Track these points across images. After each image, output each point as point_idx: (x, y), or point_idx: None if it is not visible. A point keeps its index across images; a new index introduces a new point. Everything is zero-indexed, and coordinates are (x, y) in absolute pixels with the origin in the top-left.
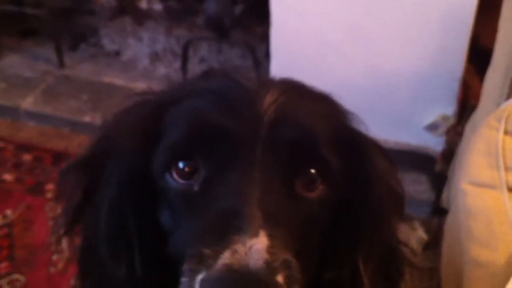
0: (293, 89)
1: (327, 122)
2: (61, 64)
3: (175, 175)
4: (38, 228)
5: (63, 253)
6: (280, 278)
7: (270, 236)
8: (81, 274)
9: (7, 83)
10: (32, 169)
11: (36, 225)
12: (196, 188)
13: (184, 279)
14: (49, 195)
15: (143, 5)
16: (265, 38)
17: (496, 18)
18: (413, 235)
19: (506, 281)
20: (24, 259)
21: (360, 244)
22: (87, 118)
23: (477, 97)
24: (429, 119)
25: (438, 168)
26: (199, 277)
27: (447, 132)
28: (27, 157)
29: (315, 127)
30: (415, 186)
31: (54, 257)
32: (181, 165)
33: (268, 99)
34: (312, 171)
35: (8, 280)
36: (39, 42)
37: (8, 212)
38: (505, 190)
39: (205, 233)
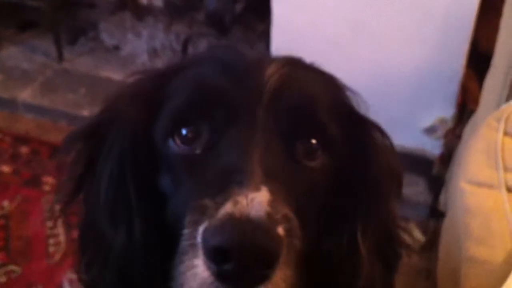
0: (296, 62)
1: (328, 94)
2: (60, 58)
3: (177, 141)
4: (34, 220)
5: (60, 245)
6: (280, 230)
7: (271, 192)
8: (81, 248)
9: (5, 75)
10: (29, 161)
11: (32, 217)
12: (198, 151)
13: (186, 231)
14: (46, 187)
15: (144, 0)
16: (265, 35)
17: (496, 24)
18: (410, 237)
19: (503, 279)
20: (20, 250)
21: (358, 217)
22: (85, 112)
23: (475, 101)
24: (428, 122)
25: (436, 171)
26: (202, 227)
27: (445, 135)
28: (24, 150)
29: (316, 96)
30: (412, 188)
31: (51, 249)
32: (183, 131)
33: (271, 69)
34: (313, 140)
35: (3, 270)
36: (38, 35)
37: (5, 203)
38: (503, 189)
39: (207, 187)
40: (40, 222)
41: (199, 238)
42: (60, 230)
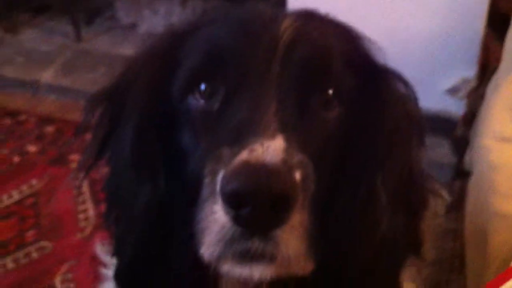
0: (311, 16)
1: (343, 45)
2: (78, 38)
3: (196, 97)
4: (62, 197)
5: (89, 219)
6: (296, 175)
7: (287, 140)
8: (108, 206)
9: (26, 58)
10: (54, 140)
11: (60, 194)
12: (216, 106)
13: (206, 180)
14: (72, 165)
15: None
16: (281, 3)
17: None
18: (436, 198)
19: None
20: (50, 227)
21: (377, 164)
22: None
23: (497, 60)
24: (450, 82)
25: (459, 131)
26: (220, 174)
27: (468, 95)
28: (49, 129)
29: (330, 48)
30: (436, 149)
31: (81, 224)
32: (202, 86)
33: (285, 24)
34: (329, 91)
35: (36, 247)
36: (55, 17)
37: (34, 182)
38: None
39: (225, 139)
40: (68, 199)
41: (217, 185)
42: (89, 205)
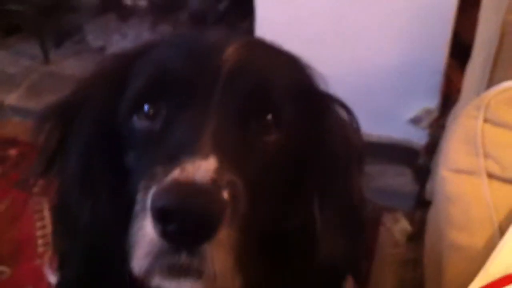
0: (256, 43)
1: (285, 75)
2: (46, 60)
3: (140, 117)
4: (23, 222)
5: (49, 245)
6: (225, 194)
7: (219, 161)
8: (54, 222)
9: None
10: (17, 163)
11: (21, 219)
12: (157, 127)
13: (138, 196)
14: (35, 189)
15: (128, 1)
16: (249, 33)
17: (475, 15)
18: (397, 227)
19: (483, 265)
20: (9, 251)
21: (316, 188)
22: None
23: (459, 91)
24: (412, 112)
25: (421, 161)
26: (151, 191)
27: (431, 125)
28: (12, 152)
29: (271, 77)
30: (398, 178)
31: (40, 250)
32: (145, 107)
33: (229, 50)
34: (268, 117)
35: None
36: (24, 39)
37: None
38: (484, 176)
39: (161, 158)
40: (29, 223)
41: (148, 202)
42: (49, 230)
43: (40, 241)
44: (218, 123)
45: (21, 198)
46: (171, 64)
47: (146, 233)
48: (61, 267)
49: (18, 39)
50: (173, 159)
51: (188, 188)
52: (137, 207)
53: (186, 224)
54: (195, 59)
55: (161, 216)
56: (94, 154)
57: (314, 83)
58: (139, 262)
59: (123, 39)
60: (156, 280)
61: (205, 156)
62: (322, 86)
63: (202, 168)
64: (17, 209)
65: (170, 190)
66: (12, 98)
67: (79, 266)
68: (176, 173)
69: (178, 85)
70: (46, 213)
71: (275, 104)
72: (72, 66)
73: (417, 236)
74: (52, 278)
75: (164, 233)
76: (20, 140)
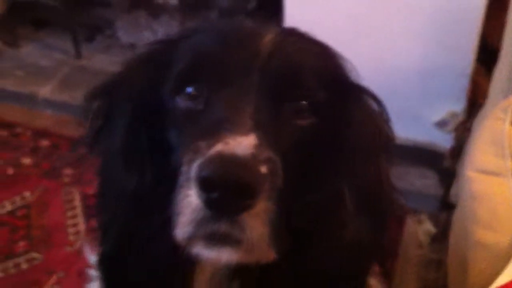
0: (292, 33)
1: (318, 62)
2: (78, 55)
3: (183, 98)
4: (54, 210)
5: (79, 233)
6: (263, 169)
7: (258, 138)
8: (98, 194)
9: (25, 72)
10: (49, 154)
11: (52, 207)
12: (200, 107)
13: (183, 168)
14: (65, 179)
15: None
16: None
17: (503, 19)
18: (421, 228)
19: (508, 262)
20: (41, 238)
21: (345, 171)
22: None
23: (485, 95)
24: (438, 115)
25: (446, 164)
26: (196, 163)
27: (456, 129)
28: (44, 143)
29: (306, 63)
30: (423, 181)
31: (71, 238)
32: (188, 89)
33: (268, 37)
34: (302, 102)
35: (26, 258)
36: (56, 33)
37: (26, 194)
38: (510, 176)
39: (204, 134)
40: (60, 212)
41: (193, 173)
42: (79, 219)
43: (71, 230)
44: (257, 103)
45: (52, 188)
46: (212, 48)
47: (190, 202)
48: (102, 240)
49: (50, 33)
50: (216, 135)
51: (230, 160)
52: (182, 178)
53: (228, 192)
54: (235, 43)
55: (205, 185)
56: (137, 131)
57: (346, 73)
58: (182, 229)
59: (153, 36)
60: (197, 248)
61: (246, 133)
62: (354, 77)
63: (243, 143)
64: (48, 198)
65: (214, 161)
66: (44, 91)
67: (121, 238)
68: (219, 147)
69: (219, 67)
70: (77, 203)
71: (309, 89)
72: (103, 61)
73: (441, 237)
74: (92, 258)
75: (207, 202)
76: (52, 131)
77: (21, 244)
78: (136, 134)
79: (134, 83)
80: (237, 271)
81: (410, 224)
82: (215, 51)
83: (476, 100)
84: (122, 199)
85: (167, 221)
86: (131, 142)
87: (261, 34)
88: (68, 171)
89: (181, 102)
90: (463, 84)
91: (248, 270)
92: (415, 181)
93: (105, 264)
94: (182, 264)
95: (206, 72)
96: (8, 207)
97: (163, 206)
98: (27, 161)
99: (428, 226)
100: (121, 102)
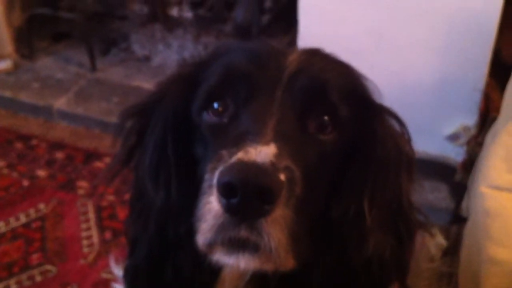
0: (315, 52)
1: (342, 80)
2: (93, 68)
3: (210, 113)
4: (68, 223)
5: (93, 246)
6: (282, 176)
7: (279, 148)
8: (130, 207)
9: (41, 84)
10: (64, 166)
11: (67, 219)
12: (225, 121)
13: (206, 176)
14: (80, 191)
15: (174, 12)
16: (291, 46)
17: None
18: (432, 241)
19: None
20: (55, 251)
21: (366, 188)
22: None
23: (497, 109)
24: (450, 129)
25: (458, 177)
26: (218, 170)
27: (468, 143)
28: (59, 155)
29: (329, 80)
30: (435, 193)
31: (85, 250)
32: (215, 105)
33: (292, 57)
34: (325, 117)
35: (40, 270)
36: (72, 46)
37: (41, 206)
38: None
39: (226, 145)
40: (74, 225)
41: (215, 179)
42: (93, 232)
43: (85, 242)
44: (280, 117)
45: (67, 200)
46: (238, 66)
47: (211, 208)
48: (131, 253)
49: (66, 46)
50: (238, 144)
51: (250, 166)
52: (204, 185)
53: (247, 196)
54: (260, 62)
55: (226, 190)
56: (167, 147)
57: (369, 92)
58: (203, 235)
59: (167, 49)
60: (217, 255)
61: (267, 143)
62: (375, 95)
63: (263, 152)
64: (63, 210)
65: (234, 168)
66: (60, 103)
67: (149, 250)
68: (240, 155)
69: (245, 84)
70: (91, 215)
71: (332, 106)
72: (118, 74)
73: (452, 250)
74: (118, 271)
75: (227, 207)
76: (67, 143)
77: (36, 256)
78: (164, 151)
79: (167, 103)
80: (258, 282)
81: (422, 237)
82: (243, 69)
83: (488, 114)
84: (151, 214)
85: (191, 230)
86: (159, 159)
87: (286, 53)
88: (82, 183)
89: (208, 117)
90: (475, 98)
91: (268, 280)
92: (427, 194)
93: (132, 276)
94: (206, 274)
95: (234, 89)
96: (23, 219)
97: (188, 216)
98: (42, 173)
99: (439, 240)
100: (154, 122)
